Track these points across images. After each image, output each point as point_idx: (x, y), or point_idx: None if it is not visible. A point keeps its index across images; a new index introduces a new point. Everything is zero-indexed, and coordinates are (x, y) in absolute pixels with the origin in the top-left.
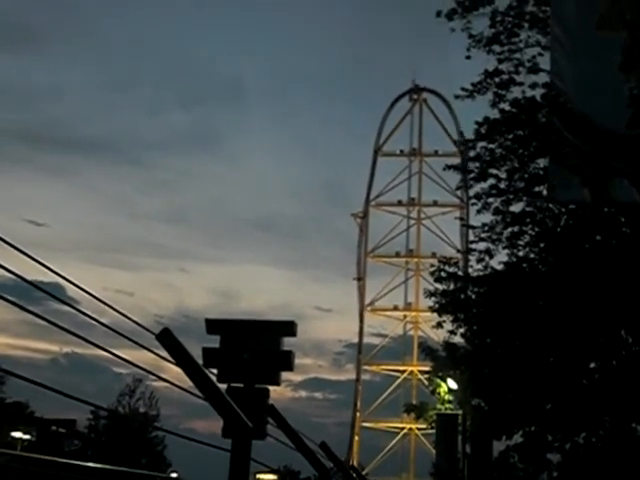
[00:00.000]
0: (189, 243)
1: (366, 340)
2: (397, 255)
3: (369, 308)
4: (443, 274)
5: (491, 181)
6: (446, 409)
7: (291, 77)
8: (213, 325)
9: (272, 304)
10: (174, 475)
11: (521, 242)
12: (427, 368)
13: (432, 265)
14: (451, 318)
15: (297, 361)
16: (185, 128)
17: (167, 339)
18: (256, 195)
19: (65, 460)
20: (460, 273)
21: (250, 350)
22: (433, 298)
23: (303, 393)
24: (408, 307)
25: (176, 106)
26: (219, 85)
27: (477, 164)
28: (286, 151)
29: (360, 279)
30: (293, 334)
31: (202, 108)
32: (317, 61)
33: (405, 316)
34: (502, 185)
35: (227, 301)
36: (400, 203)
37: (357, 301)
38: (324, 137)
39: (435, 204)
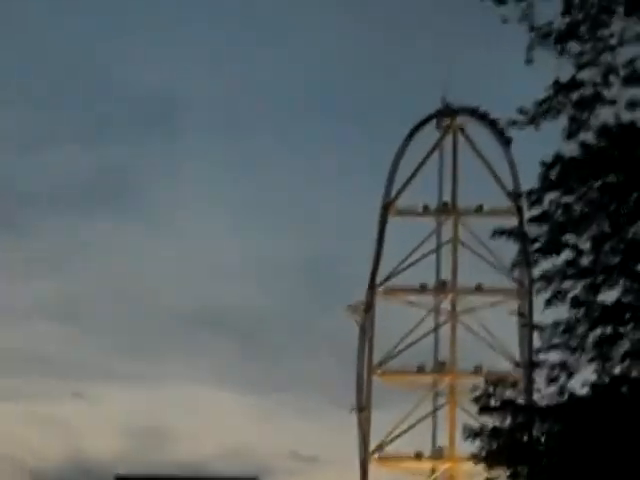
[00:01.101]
0: (87, 352)
1: None
2: (420, 371)
3: (376, 456)
4: (493, 402)
5: (567, 254)
6: None
7: (249, 97)
8: None
9: (223, 448)
10: None
11: (617, 352)
12: None
13: (475, 387)
14: (507, 473)
15: None
16: (82, 171)
17: None
18: (196, 275)
19: None
20: (520, 400)
21: None
22: (477, 440)
23: None
24: (438, 454)
25: (66, 139)
26: (137, 108)
27: (545, 227)
28: (243, 206)
29: (362, 410)
30: None
31: (108, 142)
32: (290, 74)
33: (434, 470)
34: (585, 261)
35: (152, 444)
36: (423, 288)
37: (357, 444)
38: (305, 186)
39: (478, 290)
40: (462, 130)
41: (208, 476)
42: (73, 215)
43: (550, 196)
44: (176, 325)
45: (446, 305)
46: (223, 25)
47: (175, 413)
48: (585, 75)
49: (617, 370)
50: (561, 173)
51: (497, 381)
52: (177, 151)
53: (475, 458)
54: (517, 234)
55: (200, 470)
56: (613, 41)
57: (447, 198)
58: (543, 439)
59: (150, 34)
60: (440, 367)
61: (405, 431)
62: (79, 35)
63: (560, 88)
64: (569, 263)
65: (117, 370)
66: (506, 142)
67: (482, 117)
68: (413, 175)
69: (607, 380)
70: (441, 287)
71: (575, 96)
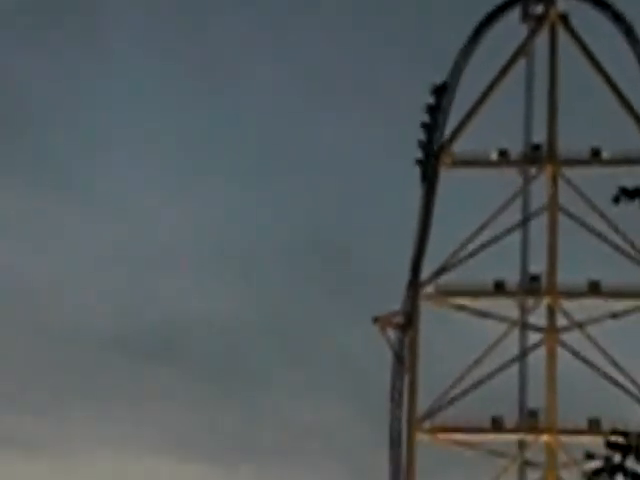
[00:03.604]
0: None
1: None
2: (495, 426)
3: None
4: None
5: None
6: None
7: None
8: None
9: None
10: None
11: None
12: None
13: (590, 454)
14: None
15: None
16: None
17: None
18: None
19: None
20: None
21: None
22: None
23: None
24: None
25: None
26: None
27: None
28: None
29: None
30: None
31: None
32: None
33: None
34: None
35: None
36: (500, 289)
37: None
38: (305, 129)
39: (594, 291)
40: (564, 21)
41: None
42: None
43: None
44: (101, 355)
45: (539, 317)
46: None
47: None
48: None
49: None
50: None
51: (630, 444)
52: None
53: None
54: None
55: None
56: None
57: (539, 139)
58: None
59: None
60: (530, 420)
61: None
62: None
63: None
64: None
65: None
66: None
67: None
68: (481, 101)
69: None
70: (531, 286)
71: None
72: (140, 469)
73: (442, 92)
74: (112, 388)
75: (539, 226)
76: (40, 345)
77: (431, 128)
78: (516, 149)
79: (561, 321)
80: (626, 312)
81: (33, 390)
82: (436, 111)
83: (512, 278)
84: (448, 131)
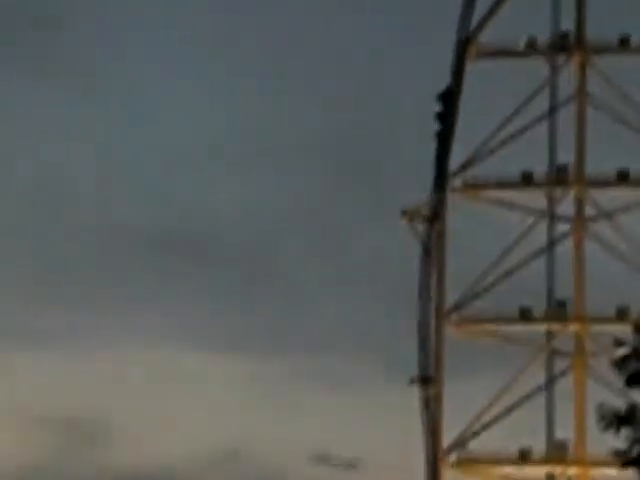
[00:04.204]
0: None
1: None
2: (523, 317)
3: (453, 457)
4: None
5: None
6: None
7: None
8: None
9: (204, 449)
10: None
11: None
12: None
13: (619, 342)
14: None
15: None
16: None
17: None
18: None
19: None
20: None
21: None
22: (623, 429)
23: None
24: (557, 453)
25: None
26: None
27: None
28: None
29: (428, 381)
30: None
31: None
32: None
33: (552, 476)
34: None
35: (81, 442)
36: (528, 180)
37: (422, 439)
38: None
39: (623, 180)
40: None
41: None
42: None
43: None
44: (122, 249)
45: (567, 207)
46: None
47: (121, 392)
48: None
49: None
50: None
51: None
52: None
53: (620, 458)
54: None
55: None
56: None
57: (567, 26)
58: None
59: None
60: (558, 310)
61: (500, 416)
62: None
63: None
64: None
65: (22, 323)
66: None
67: None
68: None
69: None
70: (558, 177)
71: None
72: (174, 362)
73: None
74: (147, 283)
75: (567, 116)
76: (72, 236)
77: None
78: (544, 36)
79: (589, 211)
80: None
81: (75, 286)
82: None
83: (540, 169)
84: (475, 20)
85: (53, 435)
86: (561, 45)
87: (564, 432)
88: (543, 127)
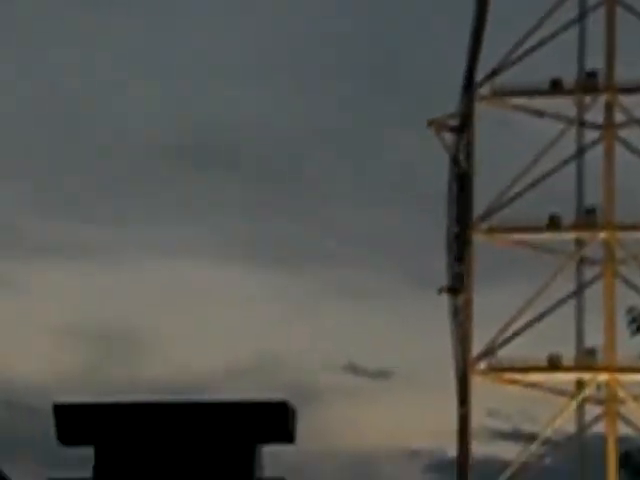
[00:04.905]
0: (6, 209)
1: (478, 451)
2: (552, 225)
3: (482, 365)
4: None
5: None
6: None
7: None
8: (73, 419)
9: (233, 359)
10: None
11: None
12: None
13: None
14: None
15: None
16: None
17: None
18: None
19: None
20: None
21: None
22: None
23: None
24: (587, 360)
25: None
26: None
27: None
28: None
29: (458, 290)
30: (288, 436)
31: None
32: None
33: (580, 385)
34: None
35: (114, 354)
36: (557, 87)
37: (451, 348)
38: None
39: None
40: None
41: (206, 401)
42: None
43: None
44: (151, 159)
45: (597, 114)
46: None
47: (152, 304)
48: None
49: None
50: None
51: None
52: None
53: None
54: None
55: (195, 393)
56: None
57: None
58: None
59: None
60: (588, 218)
61: (529, 324)
62: None
63: None
64: None
65: (53, 238)
66: None
67: None
68: None
69: None
70: (588, 83)
71: None
72: (203, 276)
73: None
74: (172, 194)
75: (597, 21)
76: (100, 152)
77: None
78: None
79: (619, 117)
80: None
81: (98, 198)
82: None
83: (569, 76)
84: None
85: (85, 348)
86: None
87: (593, 339)
88: (572, 33)
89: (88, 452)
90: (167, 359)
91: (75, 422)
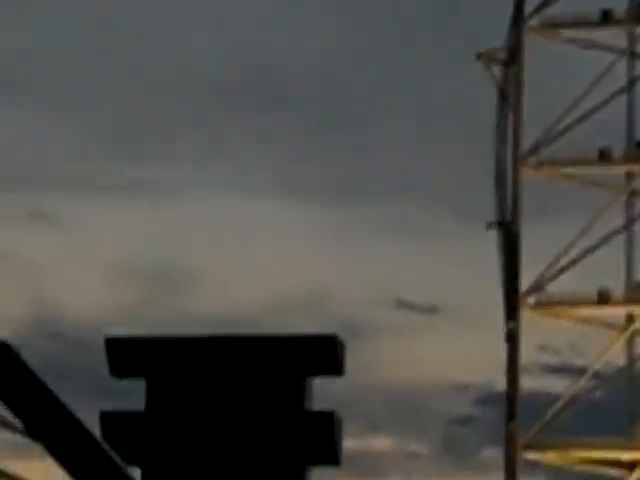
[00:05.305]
0: (52, 147)
1: (527, 385)
2: (603, 158)
3: (531, 300)
4: None
5: None
6: None
7: None
8: (125, 352)
9: (283, 294)
10: None
11: None
12: None
13: None
14: None
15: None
16: None
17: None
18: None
19: None
20: None
21: (225, 416)
22: None
23: None
24: (639, 291)
25: None
26: None
27: None
28: None
29: (507, 224)
30: (337, 369)
31: None
32: None
33: (631, 319)
34: None
35: (164, 289)
36: (608, 18)
37: (499, 282)
38: None
39: None
40: None
41: (257, 335)
42: None
43: None
44: (201, 97)
45: None
46: None
47: (202, 240)
48: None
49: None
50: None
51: None
52: None
53: None
54: None
55: (245, 328)
56: None
57: None
58: None
59: None
60: (638, 151)
61: (579, 258)
62: None
63: None
64: None
65: (104, 175)
66: None
67: None
68: None
69: None
70: (639, 13)
71: None
72: (251, 211)
73: None
74: (219, 132)
75: None
76: (152, 90)
77: None
78: None
79: None
80: None
81: (144, 136)
82: None
83: (619, 6)
84: None
85: (135, 284)
86: None
87: None
88: None
89: (137, 386)
90: (218, 294)
91: (127, 355)
